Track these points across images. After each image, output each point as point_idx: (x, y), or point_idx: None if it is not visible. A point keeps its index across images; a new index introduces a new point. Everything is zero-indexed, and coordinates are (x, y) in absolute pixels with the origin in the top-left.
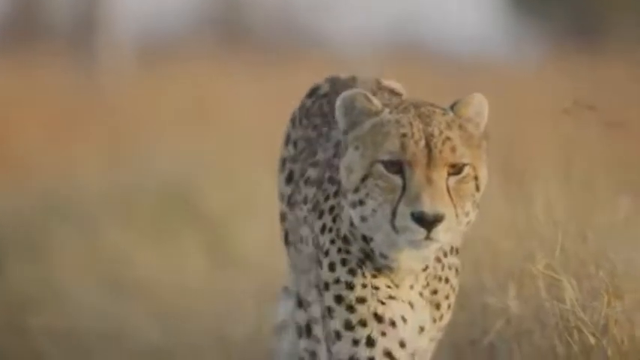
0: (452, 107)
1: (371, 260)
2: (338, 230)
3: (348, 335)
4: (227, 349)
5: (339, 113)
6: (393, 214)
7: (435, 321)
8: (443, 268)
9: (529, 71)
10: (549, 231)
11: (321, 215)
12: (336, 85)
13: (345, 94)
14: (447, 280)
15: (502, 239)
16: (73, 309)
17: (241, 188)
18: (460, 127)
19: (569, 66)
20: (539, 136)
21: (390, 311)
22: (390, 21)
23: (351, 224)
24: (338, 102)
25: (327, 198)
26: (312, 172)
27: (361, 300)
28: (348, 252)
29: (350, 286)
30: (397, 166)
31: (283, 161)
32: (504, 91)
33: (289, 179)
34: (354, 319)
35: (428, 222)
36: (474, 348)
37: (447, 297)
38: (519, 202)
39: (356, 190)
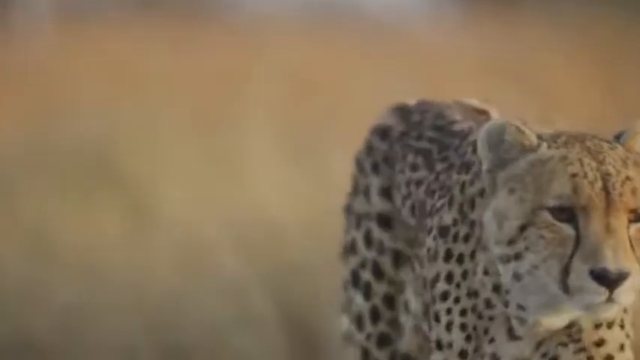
0: (617, 139)
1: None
2: (467, 286)
3: None
4: (146, 310)
5: (482, 148)
6: (565, 271)
7: None
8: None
9: (445, 32)
10: None
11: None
12: (409, 117)
13: (491, 125)
14: (621, 326)
15: None
16: None
17: (161, 151)
18: (635, 164)
19: (486, 26)
20: (455, 96)
21: None
22: None
23: (485, 274)
24: (481, 135)
25: (449, 256)
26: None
27: None
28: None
29: (462, 355)
30: (568, 213)
31: (359, 217)
32: (420, 53)
33: (369, 240)
34: None
35: (611, 281)
36: None
37: (621, 348)
38: None
39: (511, 242)
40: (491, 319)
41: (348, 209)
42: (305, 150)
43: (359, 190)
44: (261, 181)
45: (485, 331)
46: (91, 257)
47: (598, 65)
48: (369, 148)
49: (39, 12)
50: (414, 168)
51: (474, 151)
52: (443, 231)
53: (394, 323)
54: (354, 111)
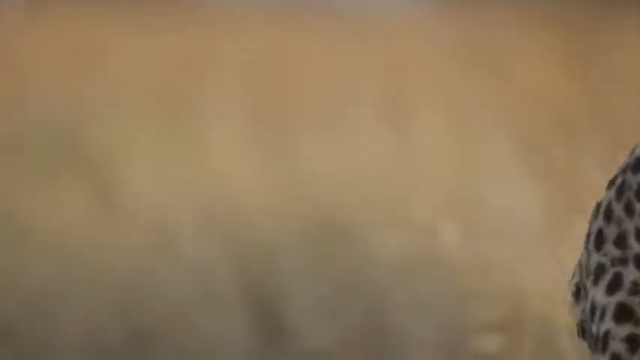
0: None
1: None
2: None
3: None
4: (113, 291)
5: None
6: None
7: None
8: None
9: (416, 18)
10: (433, 174)
11: None
12: None
13: None
14: None
15: (385, 181)
16: None
17: (128, 133)
18: None
19: (458, 14)
20: (425, 83)
21: None
22: None
23: None
24: None
25: None
26: None
27: None
28: None
29: None
30: None
31: (602, 268)
32: (389, 39)
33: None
34: None
35: None
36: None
37: None
38: (404, 150)
39: None
40: None
41: (599, 266)
42: (271, 132)
43: (605, 240)
44: (227, 163)
45: None
46: (58, 239)
47: (569, 52)
48: (620, 189)
49: None
50: None
51: None
52: None
53: None
54: (322, 95)
